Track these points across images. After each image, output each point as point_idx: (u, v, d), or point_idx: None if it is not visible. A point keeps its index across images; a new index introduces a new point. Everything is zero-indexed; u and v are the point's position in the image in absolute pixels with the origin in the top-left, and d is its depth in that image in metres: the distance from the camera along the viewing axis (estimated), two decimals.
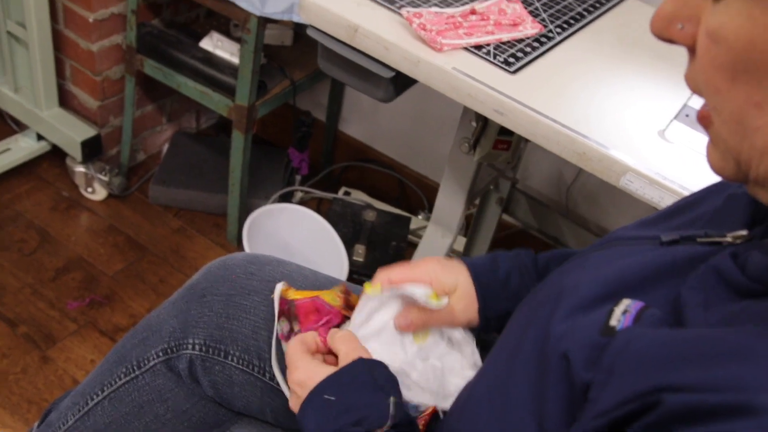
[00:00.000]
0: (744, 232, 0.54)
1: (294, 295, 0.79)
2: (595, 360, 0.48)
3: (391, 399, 0.64)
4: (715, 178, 0.64)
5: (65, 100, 1.87)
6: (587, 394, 0.48)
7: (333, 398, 0.64)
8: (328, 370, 0.67)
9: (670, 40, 0.48)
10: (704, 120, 0.48)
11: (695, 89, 0.48)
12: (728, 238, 0.54)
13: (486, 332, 0.80)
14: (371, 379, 0.66)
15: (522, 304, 0.66)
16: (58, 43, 1.76)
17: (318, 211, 1.81)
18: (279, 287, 0.80)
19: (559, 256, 0.82)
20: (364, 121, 2.04)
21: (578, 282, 0.56)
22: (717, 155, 0.48)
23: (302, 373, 0.68)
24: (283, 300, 0.79)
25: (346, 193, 2.00)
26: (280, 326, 0.78)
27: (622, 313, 0.50)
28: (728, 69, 0.43)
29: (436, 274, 0.76)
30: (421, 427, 0.70)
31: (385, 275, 0.75)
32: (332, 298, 0.79)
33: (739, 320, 0.46)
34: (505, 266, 0.79)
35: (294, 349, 0.71)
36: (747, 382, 0.39)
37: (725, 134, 0.46)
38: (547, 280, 0.65)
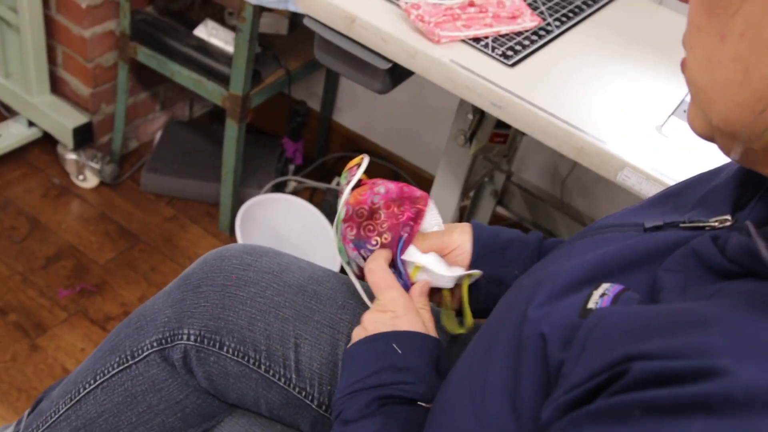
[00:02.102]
0: (728, 217, 0.54)
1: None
2: (571, 340, 0.49)
3: None
4: (706, 168, 0.65)
5: (57, 87, 1.85)
6: (560, 372, 0.48)
7: (399, 351, 0.68)
8: (406, 325, 0.71)
9: None
10: (684, 64, 0.52)
11: (685, 44, 0.51)
12: (712, 223, 0.54)
13: (475, 297, 0.82)
14: (436, 360, 0.70)
15: (505, 295, 0.66)
16: (50, 28, 1.75)
17: (311, 201, 1.81)
18: (366, 161, 0.80)
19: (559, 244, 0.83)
20: (359, 111, 2.04)
21: (559, 269, 0.57)
22: (692, 107, 0.51)
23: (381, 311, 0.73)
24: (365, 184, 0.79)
25: (339, 184, 1.99)
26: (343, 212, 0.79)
27: (600, 296, 0.51)
28: (705, 1, 0.47)
29: (441, 241, 0.81)
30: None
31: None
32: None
33: (714, 299, 0.47)
34: (509, 235, 0.82)
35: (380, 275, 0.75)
36: (709, 348, 0.40)
37: (696, 73, 0.49)
38: (531, 269, 0.65)
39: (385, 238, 0.78)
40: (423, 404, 0.66)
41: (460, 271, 0.79)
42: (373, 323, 0.72)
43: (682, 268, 0.50)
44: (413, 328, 0.71)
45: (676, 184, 0.67)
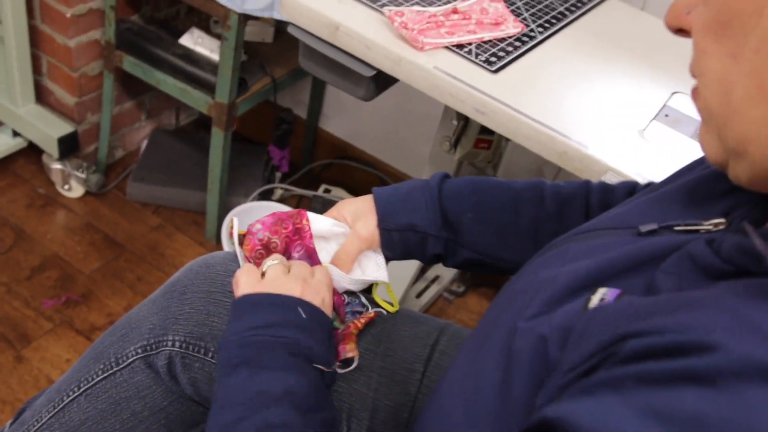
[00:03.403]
0: (722, 220, 0.55)
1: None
2: (569, 340, 0.50)
3: (337, 365, 0.76)
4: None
5: (42, 97, 1.84)
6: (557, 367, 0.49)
7: (305, 317, 0.71)
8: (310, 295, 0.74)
9: (680, 30, 0.53)
10: (695, 94, 0.53)
11: (694, 72, 0.52)
12: (706, 226, 0.55)
13: (391, 250, 0.84)
14: (328, 335, 0.74)
15: (498, 295, 0.66)
16: (35, 38, 1.74)
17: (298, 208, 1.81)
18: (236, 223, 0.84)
19: (470, 183, 0.85)
20: (346, 118, 2.04)
21: (556, 275, 0.57)
22: (704, 132, 0.52)
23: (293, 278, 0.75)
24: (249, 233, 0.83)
25: (327, 191, 2.00)
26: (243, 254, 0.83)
27: (599, 300, 0.51)
28: (715, 25, 0.49)
29: (339, 210, 0.85)
30: (361, 325, 0.82)
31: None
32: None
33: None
34: (409, 185, 0.85)
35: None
36: (700, 324, 0.41)
37: (709, 98, 0.50)
38: (522, 273, 0.65)
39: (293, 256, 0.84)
40: (320, 366, 0.69)
41: (365, 277, 0.84)
42: (278, 278, 0.74)
43: (677, 270, 0.51)
44: (314, 301, 0.74)
45: (664, 180, 0.68)
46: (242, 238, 0.83)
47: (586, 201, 0.83)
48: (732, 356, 0.38)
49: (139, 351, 0.80)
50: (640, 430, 0.38)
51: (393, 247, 0.84)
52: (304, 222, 0.83)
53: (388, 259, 0.87)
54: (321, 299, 0.74)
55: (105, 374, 0.81)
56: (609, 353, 0.44)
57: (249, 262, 0.82)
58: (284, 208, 1.75)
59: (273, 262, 0.78)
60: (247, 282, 0.75)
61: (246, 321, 0.70)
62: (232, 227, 0.84)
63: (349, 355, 0.80)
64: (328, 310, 0.75)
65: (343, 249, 0.83)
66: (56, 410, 0.84)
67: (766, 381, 0.37)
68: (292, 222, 0.83)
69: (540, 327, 0.52)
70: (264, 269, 0.77)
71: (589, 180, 0.86)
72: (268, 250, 0.82)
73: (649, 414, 0.38)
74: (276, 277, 0.75)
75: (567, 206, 0.83)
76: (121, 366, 0.81)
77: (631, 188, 0.83)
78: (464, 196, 0.83)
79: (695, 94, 0.52)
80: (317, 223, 0.84)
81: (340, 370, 0.80)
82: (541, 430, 0.43)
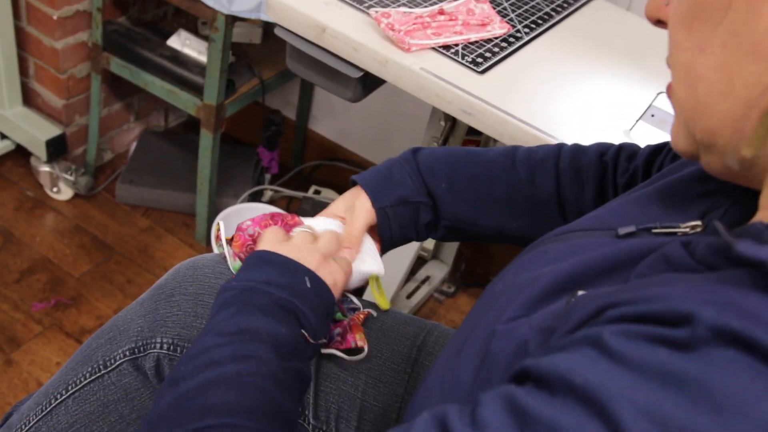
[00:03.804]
0: (698, 223, 0.55)
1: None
2: (550, 339, 0.50)
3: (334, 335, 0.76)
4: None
5: (29, 99, 1.84)
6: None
7: (309, 286, 0.70)
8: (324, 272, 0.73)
9: (659, 21, 0.55)
10: (669, 90, 0.54)
11: (669, 64, 0.53)
12: (683, 229, 0.56)
13: (389, 231, 0.85)
14: (327, 313, 0.73)
15: (481, 296, 0.67)
16: (21, 40, 1.74)
17: (288, 210, 1.81)
18: (222, 225, 0.84)
19: (444, 155, 0.86)
20: (335, 119, 2.04)
21: (536, 276, 0.58)
22: (676, 127, 0.53)
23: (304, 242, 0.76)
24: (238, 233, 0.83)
25: (316, 192, 2.00)
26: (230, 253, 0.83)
27: None
28: (686, 17, 0.49)
29: (329, 210, 0.87)
30: (361, 320, 0.83)
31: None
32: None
33: None
34: (385, 164, 0.87)
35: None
36: (675, 295, 0.42)
37: (680, 91, 0.51)
38: (503, 273, 0.66)
39: None
40: (305, 333, 0.68)
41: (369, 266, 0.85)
42: (300, 245, 0.74)
43: (653, 271, 0.51)
44: (326, 279, 0.73)
45: (646, 182, 0.68)
46: (231, 241, 0.83)
47: (556, 166, 0.85)
48: (707, 325, 0.39)
49: (127, 353, 0.80)
50: (609, 374, 0.39)
51: (389, 226, 0.85)
52: (297, 219, 0.84)
53: (384, 245, 0.87)
54: (334, 281, 0.74)
55: (93, 377, 0.81)
56: (589, 326, 0.45)
57: (239, 260, 0.82)
58: (274, 210, 1.75)
59: (303, 229, 0.78)
60: (269, 239, 0.75)
61: (251, 273, 0.70)
62: (219, 230, 0.84)
63: (360, 343, 0.80)
64: (336, 294, 0.75)
65: (352, 225, 0.83)
66: (44, 413, 0.83)
67: (739, 347, 0.38)
68: (282, 218, 0.84)
69: (520, 329, 0.52)
70: (293, 234, 0.77)
71: (563, 143, 0.88)
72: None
73: (620, 361, 0.40)
74: (300, 243, 0.75)
75: (538, 172, 0.85)
76: (108, 369, 0.81)
77: (604, 149, 0.85)
78: (438, 168, 0.85)
79: (670, 89, 0.54)
80: (309, 222, 0.85)
81: (350, 358, 0.80)
82: (519, 378, 0.45)
